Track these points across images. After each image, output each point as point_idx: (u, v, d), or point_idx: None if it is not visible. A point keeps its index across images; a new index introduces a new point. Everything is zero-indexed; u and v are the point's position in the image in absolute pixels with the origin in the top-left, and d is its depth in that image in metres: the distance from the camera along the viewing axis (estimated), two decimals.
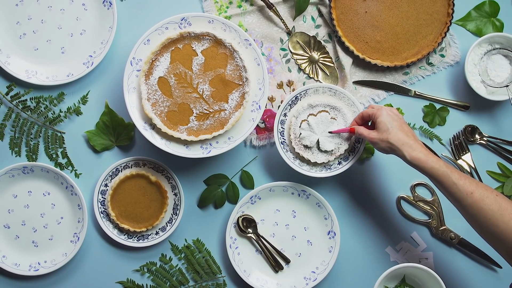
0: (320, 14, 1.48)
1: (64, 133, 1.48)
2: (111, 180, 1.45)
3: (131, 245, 1.45)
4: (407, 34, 1.45)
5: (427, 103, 1.48)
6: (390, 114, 1.27)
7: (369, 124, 1.35)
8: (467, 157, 1.47)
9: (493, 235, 1.16)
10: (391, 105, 1.46)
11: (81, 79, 1.47)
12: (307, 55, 1.48)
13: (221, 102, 1.38)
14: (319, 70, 1.48)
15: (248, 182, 1.47)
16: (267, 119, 1.46)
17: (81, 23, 1.46)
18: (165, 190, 1.44)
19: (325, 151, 1.39)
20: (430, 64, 1.48)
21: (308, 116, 1.39)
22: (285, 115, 1.41)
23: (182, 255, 1.48)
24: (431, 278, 1.35)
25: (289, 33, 1.48)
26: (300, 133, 1.38)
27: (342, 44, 1.46)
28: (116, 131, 1.47)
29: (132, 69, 1.37)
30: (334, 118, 1.38)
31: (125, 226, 1.43)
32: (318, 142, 1.39)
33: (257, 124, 1.44)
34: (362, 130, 1.30)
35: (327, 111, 1.39)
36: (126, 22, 1.48)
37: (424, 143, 1.45)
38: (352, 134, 1.34)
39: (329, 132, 1.38)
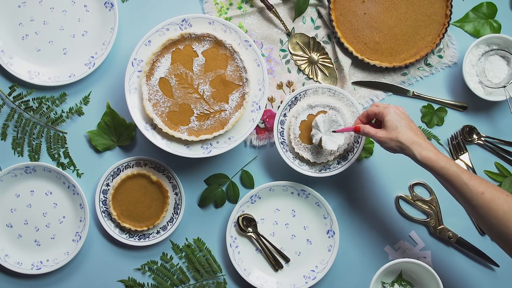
0: (320, 15, 1.49)
1: (66, 133, 1.49)
2: (112, 179, 1.46)
3: (132, 244, 1.46)
4: (406, 35, 1.46)
5: (425, 103, 1.49)
6: (397, 113, 1.25)
7: (373, 122, 1.33)
8: (465, 157, 1.48)
9: (503, 235, 1.15)
10: None
11: (83, 79, 1.48)
12: (307, 56, 1.49)
13: (221, 102, 1.39)
14: (318, 71, 1.49)
15: (248, 181, 1.48)
16: (267, 119, 1.47)
17: (83, 24, 1.47)
18: (166, 190, 1.45)
19: (327, 151, 1.39)
20: (428, 65, 1.49)
21: (307, 116, 1.40)
22: (284, 115, 1.42)
23: (183, 254, 1.49)
24: (428, 274, 1.36)
25: (288, 34, 1.49)
26: (312, 133, 1.37)
27: (341, 45, 1.47)
28: (117, 131, 1.48)
29: (133, 70, 1.38)
30: (340, 121, 1.35)
31: (127, 225, 1.44)
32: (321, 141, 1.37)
33: (257, 124, 1.45)
34: (369, 129, 1.27)
35: (325, 111, 1.40)
36: (127, 23, 1.49)
37: None
38: (357, 133, 1.30)
39: (333, 131, 1.36)
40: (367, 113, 1.30)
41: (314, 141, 1.36)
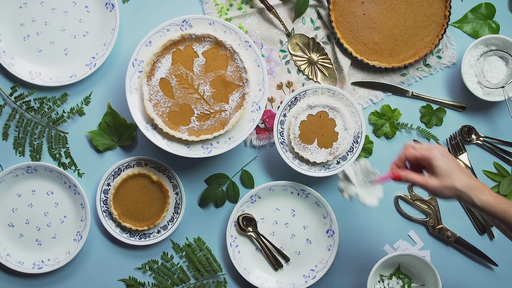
0: (319, 16, 1.50)
1: (67, 133, 1.49)
2: (113, 179, 1.47)
3: (133, 243, 1.46)
4: (405, 36, 1.47)
5: (424, 103, 1.50)
6: (444, 155, 1.12)
7: (408, 166, 1.18)
8: (463, 157, 1.48)
9: None
10: (389, 106, 1.48)
11: (84, 80, 1.49)
12: (306, 56, 1.50)
13: (221, 102, 1.39)
14: (318, 71, 1.50)
15: (248, 181, 1.49)
16: (267, 120, 1.48)
17: (84, 25, 1.48)
18: (167, 189, 1.45)
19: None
20: (427, 65, 1.49)
21: (307, 116, 1.41)
22: (284, 115, 1.43)
23: (183, 253, 1.50)
24: (425, 267, 1.37)
25: (288, 35, 1.50)
26: (340, 186, 1.22)
27: (340, 46, 1.48)
28: (118, 131, 1.48)
29: (134, 70, 1.39)
30: (376, 170, 1.20)
31: (127, 225, 1.45)
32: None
33: (257, 125, 1.46)
34: (414, 177, 1.13)
35: (325, 111, 1.41)
36: (128, 24, 1.50)
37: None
38: (398, 181, 1.15)
39: (370, 182, 1.21)
40: (405, 156, 1.15)
41: (345, 196, 1.21)
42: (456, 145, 1.48)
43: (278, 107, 1.46)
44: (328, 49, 1.50)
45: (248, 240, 1.48)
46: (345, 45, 1.46)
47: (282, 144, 1.43)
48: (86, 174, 1.49)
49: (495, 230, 1.49)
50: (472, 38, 1.49)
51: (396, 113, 1.48)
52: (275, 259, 1.47)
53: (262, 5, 1.49)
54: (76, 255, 1.47)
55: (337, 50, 1.48)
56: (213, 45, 1.38)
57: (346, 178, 1.21)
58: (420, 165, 1.16)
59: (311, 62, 1.50)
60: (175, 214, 1.47)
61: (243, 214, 1.46)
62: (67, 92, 1.49)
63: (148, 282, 1.50)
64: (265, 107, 1.48)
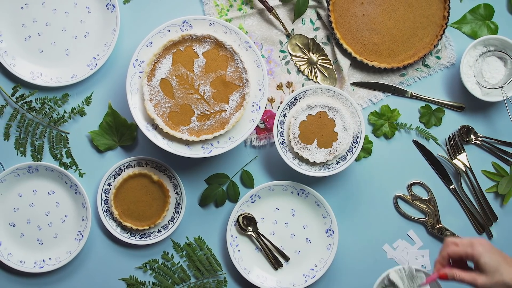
0: (319, 17, 1.50)
1: (68, 133, 1.50)
2: (114, 179, 1.47)
3: (133, 243, 1.47)
4: (404, 36, 1.47)
5: (423, 104, 1.50)
6: (488, 249, 1.09)
7: (450, 262, 1.16)
8: (462, 156, 1.49)
9: None
10: (389, 107, 1.49)
11: (85, 80, 1.49)
12: (306, 57, 1.50)
13: (221, 103, 1.40)
14: (317, 71, 1.50)
15: (248, 181, 1.49)
16: (267, 120, 1.48)
17: (85, 25, 1.48)
18: (167, 189, 1.46)
19: None
20: (426, 66, 1.50)
21: (307, 116, 1.41)
22: (284, 115, 1.44)
23: (184, 252, 1.50)
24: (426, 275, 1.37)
25: (288, 35, 1.50)
26: None
27: (340, 46, 1.48)
28: (119, 131, 1.49)
29: (134, 71, 1.39)
30: (421, 272, 1.23)
31: (128, 224, 1.46)
32: None
33: (257, 125, 1.46)
34: (462, 275, 1.11)
35: (325, 111, 1.42)
36: (129, 24, 1.50)
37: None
38: (444, 280, 1.15)
39: (418, 286, 1.22)
40: (448, 255, 1.13)
41: None
42: (455, 145, 1.49)
43: (278, 107, 1.46)
44: (327, 49, 1.50)
45: (248, 240, 1.49)
46: (345, 46, 1.47)
47: (282, 144, 1.44)
48: (87, 174, 1.50)
49: (493, 230, 1.49)
50: (471, 38, 1.50)
51: (395, 113, 1.49)
52: (275, 258, 1.48)
53: (262, 6, 1.49)
54: (77, 254, 1.48)
55: (336, 50, 1.49)
56: (214, 45, 1.39)
57: (393, 285, 1.24)
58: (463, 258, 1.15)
59: (310, 63, 1.50)
60: (175, 214, 1.48)
61: (243, 214, 1.47)
62: (68, 93, 1.49)
63: (149, 281, 1.50)
64: (265, 107, 1.49)
